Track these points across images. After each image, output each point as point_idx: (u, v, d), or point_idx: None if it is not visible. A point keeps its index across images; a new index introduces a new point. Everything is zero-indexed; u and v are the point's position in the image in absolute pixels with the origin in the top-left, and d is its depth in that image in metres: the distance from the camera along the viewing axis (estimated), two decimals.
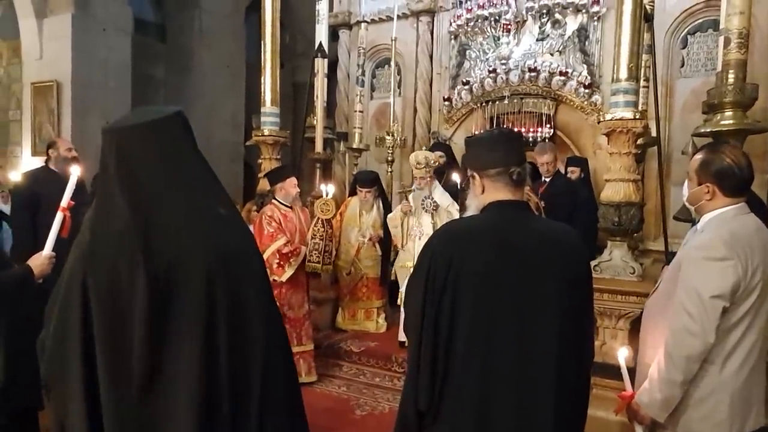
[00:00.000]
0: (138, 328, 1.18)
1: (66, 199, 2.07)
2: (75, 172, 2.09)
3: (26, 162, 7.60)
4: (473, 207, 1.71)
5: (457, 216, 4.21)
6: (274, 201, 4.13)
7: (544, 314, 1.51)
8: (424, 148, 5.86)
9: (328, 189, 4.22)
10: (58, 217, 2.06)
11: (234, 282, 1.24)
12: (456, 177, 4.28)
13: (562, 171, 5.01)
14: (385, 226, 4.74)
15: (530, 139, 5.52)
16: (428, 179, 4.21)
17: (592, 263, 3.47)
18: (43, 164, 4.28)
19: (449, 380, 1.53)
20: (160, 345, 1.20)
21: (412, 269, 4.06)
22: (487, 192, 1.63)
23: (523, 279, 1.53)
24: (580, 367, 1.60)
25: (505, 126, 5.65)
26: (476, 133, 5.84)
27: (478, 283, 1.52)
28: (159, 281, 1.19)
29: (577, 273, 1.58)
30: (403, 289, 4.30)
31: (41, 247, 2.18)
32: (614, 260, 3.44)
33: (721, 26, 3.75)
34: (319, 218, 4.04)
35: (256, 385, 1.25)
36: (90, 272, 1.22)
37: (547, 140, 5.41)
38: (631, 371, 1.95)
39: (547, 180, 4.82)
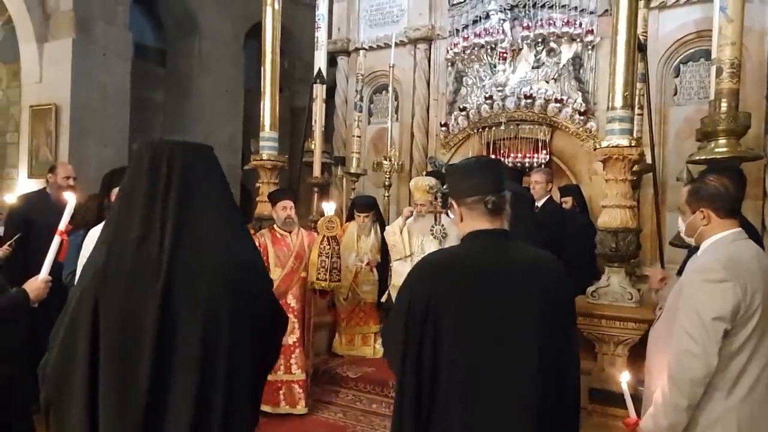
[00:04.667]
0: (145, 363, 1.20)
1: (64, 223, 2.06)
2: (71, 199, 2.09)
3: (22, 185, 7.59)
4: (454, 235, 1.73)
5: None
6: (274, 224, 4.13)
7: (523, 343, 1.51)
8: (417, 174, 5.92)
9: (330, 206, 4.22)
10: (56, 241, 2.05)
11: (246, 301, 1.28)
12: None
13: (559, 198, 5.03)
14: (383, 250, 4.74)
15: (526, 165, 5.57)
16: (429, 205, 4.21)
17: (590, 289, 3.47)
18: (42, 188, 4.27)
19: (434, 413, 1.52)
20: (165, 375, 1.21)
21: None
22: (465, 220, 1.64)
23: (501, 309, 1.52)
24: (566, 394, 1.59)
25: (501, 151, 5.71)
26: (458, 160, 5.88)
27: (456, 315, 1.53)
28: (170, 315, 1.21)
29: (557, 300, 1.57)
30: None
31: (32, 271, 2.16)
32: (612, 286, 3.44)
33: (713, 56, 3.83)
34: (324, 236, 4.03)
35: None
36: (103, 297, 1.23)
37: (543, 165, 5.46)
38: (634, 398, 1.93)
39: (538, 206, 4.81)
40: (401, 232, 4.37)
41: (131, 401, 1.19)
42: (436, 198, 4.20)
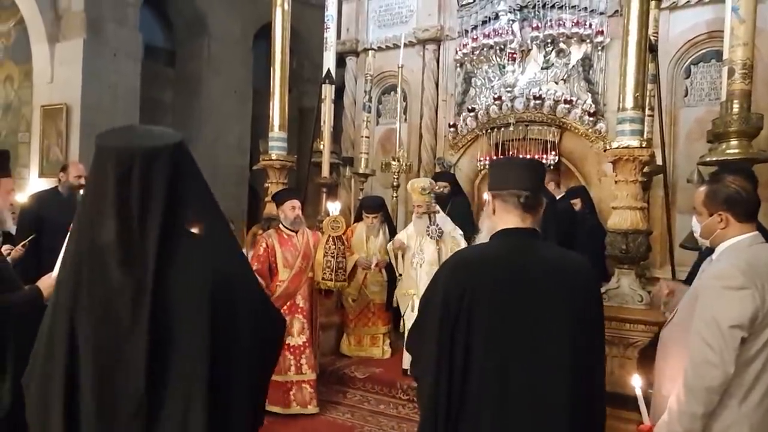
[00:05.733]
0: (134, 376, 1.13)
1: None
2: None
3: (33, 184, 7.65)
4: (485, 230, 1.74)
5: (460, 240, 4.21)
6: (280, 224, 4.14)
7: (554, 343, 1.52)
8: (425, 174, 5.94)
9: (335, 206, 4.22)
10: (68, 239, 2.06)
11: (230, 314, 1.20)
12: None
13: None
14: None
15: None
16: (426, 206, 4.22)
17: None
18: (53, 186, 4.31)
19: (464, 413, 1.52)
20: (159, 392, 1.14)
21: (414, 296, 4.10)
22: (497, 214, 1.65)
23: (533, 307, 1.53)
24: (594, 394, 1.59)
25: (510, 152, 5.70)
26: (481, 159, 5.90)
27: (489, 313, 1.53)
28: (161, 324, 1.13)
29: (586, 300, 1.58)
30: (406, 315, 4.27)
31: (45, 269, 2.17)
32: (622, 288, 3.42)
33: (725, 57, 3.81)
34: (329, 236, 4.03)
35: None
36: (79, 310, 1.16)
37: (551, 166, 5.45)
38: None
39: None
40: (397, 256, 4.44)
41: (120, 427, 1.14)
42: (431, 199, 4.23)
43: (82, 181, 4.16)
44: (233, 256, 1.32)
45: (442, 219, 4.32)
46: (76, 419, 1.15)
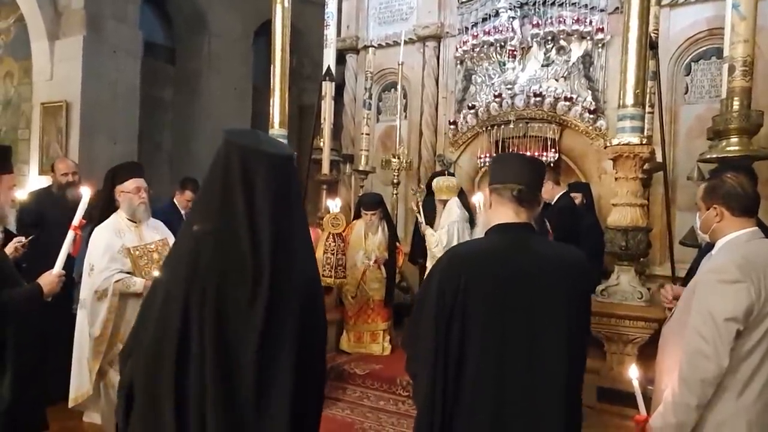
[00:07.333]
0: (248, 366, 1.23)
1: (77, 219, 2.08)
2: (85, 193, 2.11)
3: (33, 180, 7.65)
4: (480, 224, 1.76)
5: (430, 236, 4.30)
6: None
7: (551, 337, 1.53)
8: (425, 172, 5.96)
9: (335, 203, 4.23)
10: (70, 235, 2.07)
11: (310, 310, 1.33)
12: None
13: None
14: (390, 248, 4.75)
15: None
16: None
17: (599, 288, 3.46)
18: (48, 185, 4.31)
19: (458, 406, 1.52)
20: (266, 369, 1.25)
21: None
22: (493, 207, 1.67)
23: (530, 299, 1.54)
24: (579, 384, 1.63)
25: (510, 150, 5.69)
26: (481, 156, 5.89)
27: (485, 305, 1.54)
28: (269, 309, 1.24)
29: (580, 293, 1.60)
30: None
31: (44, 267, 2.17)
32: (622, 285, 3.43)
33: (725, 54, 3.80)
34: (329, 233, 4.04)
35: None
36: (196, 282, 1.24)
37: (551, 164, 5.45)
38: (643, 397, 1.93)
39: (551, 203, 4.84)
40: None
41: (233, 404, 1.22)
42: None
43: (70, 178, 4.13)
44: (312, 255, 1.49)
45: (451, 213, 4.34)
46: (185, 396, 1.22)
